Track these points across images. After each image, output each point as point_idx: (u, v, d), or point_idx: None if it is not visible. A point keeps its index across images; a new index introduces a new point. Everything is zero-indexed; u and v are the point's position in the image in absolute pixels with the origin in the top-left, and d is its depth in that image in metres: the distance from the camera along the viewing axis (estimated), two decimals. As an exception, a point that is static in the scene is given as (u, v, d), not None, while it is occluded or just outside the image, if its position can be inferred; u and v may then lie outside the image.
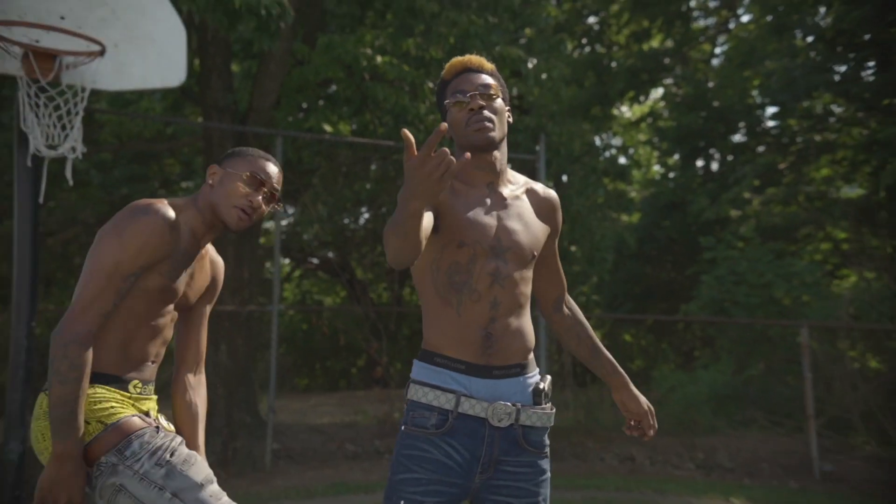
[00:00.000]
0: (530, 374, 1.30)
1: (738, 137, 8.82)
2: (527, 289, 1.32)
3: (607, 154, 9.03)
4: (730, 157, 8.88)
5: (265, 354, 6.93)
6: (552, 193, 1.42)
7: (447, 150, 1.00)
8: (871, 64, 6.86)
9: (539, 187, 1.41)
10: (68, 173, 2.82)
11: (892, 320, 5.75)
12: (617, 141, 10.93)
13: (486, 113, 1.28)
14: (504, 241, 1.28)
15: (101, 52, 2.79)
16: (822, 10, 7.48)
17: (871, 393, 4.93)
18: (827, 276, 7.23)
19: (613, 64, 9.52)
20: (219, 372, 4.85)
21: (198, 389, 1.54)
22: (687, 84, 9.28)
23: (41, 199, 2.80)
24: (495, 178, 1.32)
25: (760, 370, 5.85)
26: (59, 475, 1.24)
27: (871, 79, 6.77)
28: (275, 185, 1.45)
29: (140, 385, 1.39)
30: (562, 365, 6.26)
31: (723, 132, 8.56)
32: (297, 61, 5.75)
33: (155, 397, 1.45)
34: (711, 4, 9.89)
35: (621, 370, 1.45)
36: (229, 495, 1.33)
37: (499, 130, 1.30)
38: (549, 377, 1.33)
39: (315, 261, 10.89)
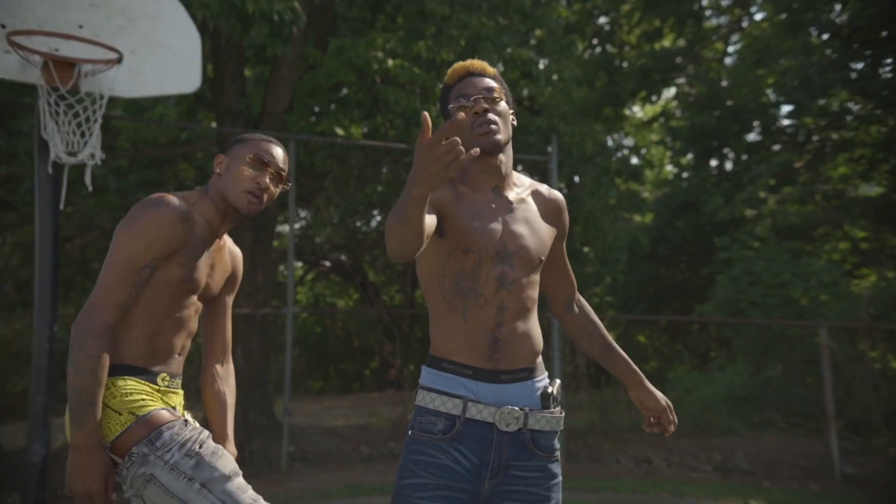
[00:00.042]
0: (539, 378, 1.30)
1: (752, 136, 8.73)
2: (534, 293, 1.31)
3: (619, 154, 8.98)
4: (744, 157, 8.78)
5: (279, 357, 6.98)
6: (557, 194, 1.41)
7: (459, 139, 0.99)
8: (889, 61, 6.75)
9: (544, 189, 1.40)
10: (87, 179, 2.86)
11: (913, 320, 5.64)
12: (629, 141, 10.88)
13: (491, 116, 1.28)
14: (510, 246, 1.28)
15: (119, 60, 2.84)
16: (838, 7, 7.38)
17: (893, 394, 4.85)
18: (845, 276, 7.12)
19: (625, 64, 9.47)
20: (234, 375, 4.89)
21: (226, 379, 1.57)
22: (700, 83, 9.20)
23: (62, 205, 2.84)
24: (501, 181, 1.32)
25: (778, 371, 5.77)
26: (76, 464, 1.27)
27: (889, 76, 6.67)
28: (280, 164, 1.47)
29: (168, 378, 1.42)
30: (576, 367, 6.23)
31: (737, 131, 8.47)
32: (308, 65, 5.79)
33: (181, 392, 1.48)
34: (724, 3, 9.80)
35: (636, 368, 1.44)
36: None
37: (504, 133, 1.29)
38: (557, 381, 1.32)
39: (328, 264, 10.94)
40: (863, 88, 6.68)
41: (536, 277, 1.32)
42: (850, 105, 7.62)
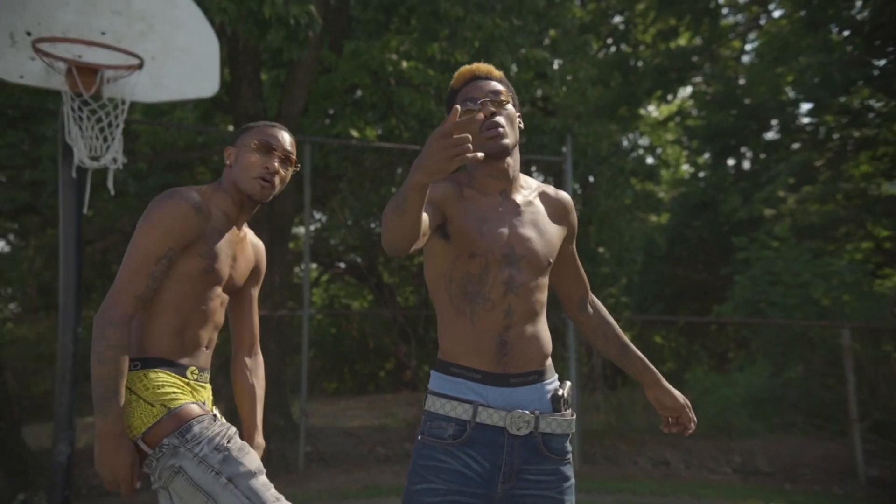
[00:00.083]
0: (548, 381, 1.29)
1: (770, 135, 8.60)
2: (542, 296, 1.30)
3: (635, 154, 8.91)
4: (762, 156, 8.66)
5: (295, 359, 7.02)
6: (564, 195, 1.40)
7: (470, 136, 1.00)
8: (912, 57, 6.62)
9: (551, 190, 1.40)
10: (110, 183, 2.91)
11: (939, 321, 5.52)
12: (644, 141, 10.78)
13: (499, 119, 1.27)
14: (518, 250, 1.27)
15: (140, 66, 2.88)
16: (859, 3, 7.25)
17: (918, 396, 4.74)
18: (868, 276, 6.98)
19: (640, 63, 9.39)
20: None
21: (255, 370, 1.60)
22: (717, 82, 9.09)
23: (85, 209, 2.89)
24: (508, 185, 1.31)
25: (799, 372, 5.68)
26: (104, 452, 1.30)
27: (913, 72, 6.53)
28: (286, 147, 1.49)
29: (197, 372, 1.44)
30: (592, 367, 6.18)
31: (755, 130, 8.36)
32: (324, 68, 5.83)
33: (209, 386, 1.50)
34: (741, 0, 9.68)
35: (652, 367, 1.43)
36: None
37: (511, 137, 1.29)
38: (568, 383, 1.31)
39: (342, 265, 11.00)
40: (885, 85, 6.56)
41: (545, 280, 1.31)
42: (872, 102, 7.48)
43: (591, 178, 7.20)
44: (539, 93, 6.95)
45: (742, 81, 9.05)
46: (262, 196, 1.46)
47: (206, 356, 1.47)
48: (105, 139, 2.84)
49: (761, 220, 7.74)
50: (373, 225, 9.36)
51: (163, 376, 1.38)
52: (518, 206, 1.31)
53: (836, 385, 5.30)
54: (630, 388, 6.13)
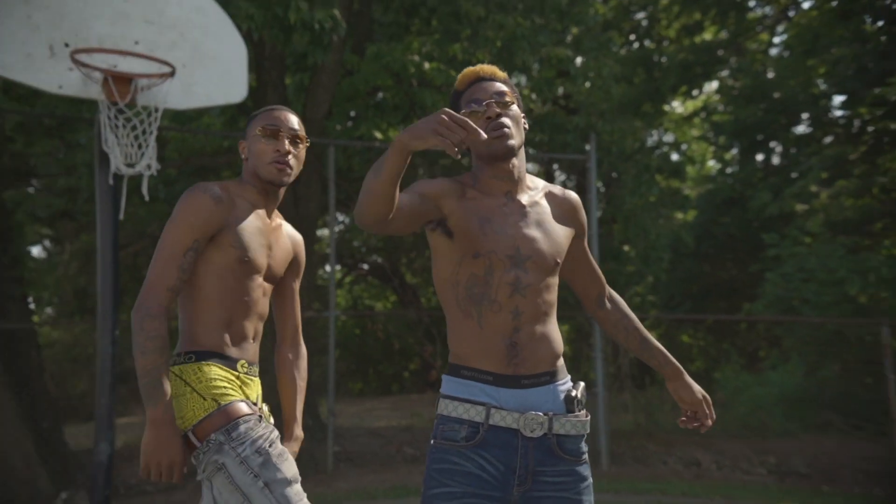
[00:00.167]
0: (561, 382, 1.28)
1: (801, 129, 8.39)
2: (551, 296, 1.29)
3: (659, 151, 8.78)
4: (792, 150, 8.45)
5: (321, 360, 7.09)
6: (572, 195, 1.40)
7: (468, 133, 1.02)
8: (951, 46, 6.38)
9: (558, 190, 1.39)
10: (144, 189, 2.98)
11: (983, 317, 5.31)
12: (668, 137, 10.62)
13: (504, 120, 1.27)
14: (523, 251, 1.27)
15: (172, 73, 2.94)
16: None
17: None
18: (907, 272, 6.76)
19: (664, 59, 9.25)
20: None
21: (296, 362, 1.63)
22: (744, 76, 8.90)
23: (121, 215, 2.97)
24: (513, 186, 1.31)
25: (836, 371, 5.52)
26: (157, 439, 1.33)
27: (951, 61, 6.30)
28: (290, 126, 1.51)
29: (246, 365, 1.48)
30: (619, 367, 6.11)
31: (784, 124, 8.16)
32: (346, 71, 5.88)
33: (258, 381, 1.53)
34: (768, -8, 9.46)
35: (674, 360, 1.42)
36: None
37: (517, 137, 1.28)
38: (581, 383, 1.30)
39: (365, 266, 11.08)
40: (922, 75, 6.33)
41: (553, 280, 1.30)
42: (909, 93, 7.23)
43: (615, 175, 7.11)
44: (561, 91, 6.90)
45: (771, 75, 8.85)
46: (281, 179, 1.49)
47: (254, 349, 1.50)
48: (139, 146, 2.91)
49: (792, 216, 7.56)
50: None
51: (215, 369, 1.42)
52: (523, 206, 1.30)
53: (874, 384, 5.15)
54: (658, 388, 6.04)
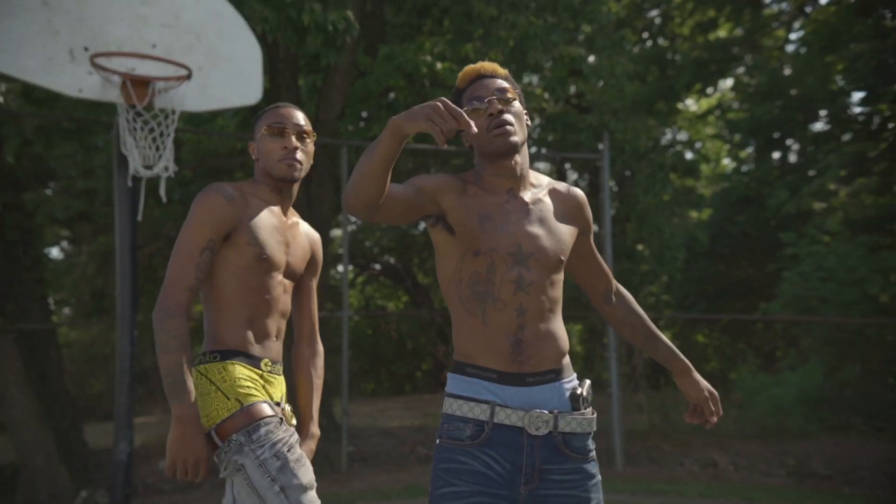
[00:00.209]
0: (566, 379, 1.28)
1: (818, 126, 8.26)
2: (555, 293, 1.29)
3: (673, 150, 8.70)
4: (810, 148, 8.33)
5: (333, 360, 7.12)
6: (577, 191, 1.39)
7: (469, 122, 1.05)
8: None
9: (562, 187, 1.38)
10: (162, 191, 3.02)
11: None
12: (682, 135, 10.52)
13: (507, 117, 1.27)
14: (525, 248, 1.26)
15: (189, 76, 2.97)
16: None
17: None
18: (930, 271, 6.63)
19: (677, 57, 9.17)
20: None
21: (313, 360, 1.64)
22: (760, 73, 8.79)
23: (139, 217, 3.00)
24: (515, 184, 1.30)
25: (857, 372, 5.43)
26: (183, 436, 1.35)
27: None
28: (297, 122, 1.53)
29: (270, 364, 1.49)
30: (633, 367, 6.07)
31: (802, 121, 8.04)
32: (359, 72, 5.90)
33: (283, 379, 1.54)
34: (785, -12, 9.34)
35: (681, 356, 1.42)
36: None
37: (520, 134, 1.28)
38: (587, 381, 1.30)
39: (377, 267, 11.12)
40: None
41: (558, 277, 1.30)
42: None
43: (629, 174, 7.06)
44: (573, 90, 6.86)
45: (787, 72, 8.73)
46: (291, 175, 1.51)
47: (277, 347, 1.52)
48: (157, 148, 2.94)
49: (810, 215, 7.45)
50: (406, 226, 9.42)
51: (239, 368, 1.43)
52: (526, 204, 1.30)
53: (897, 385, 5.06)
54: (673, 388, 5.98)
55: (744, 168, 9.54)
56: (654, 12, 9.88)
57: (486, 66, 1.33)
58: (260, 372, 1.46)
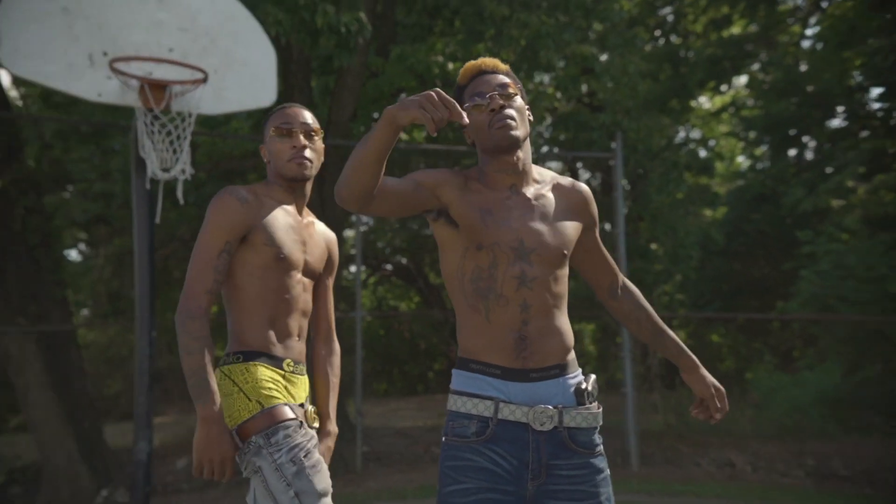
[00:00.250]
0: (571, 375, 1.27)
1: (836, 123, 8.14)
2: (560, 288, 1.28)
3: (687, 148, 8.62)
4: (827, 145, 8.21)
5: (347, 360, 7.17)
6: (582, 186, 1.38)
7: (449, 114, 1.05)
8: None
9: (566, 182, 1.37)
10: (179, 194, 3.05)
11: None
12: (696, 133, 10.43)
13: (508, 112, 1.26)
14: (528, 243, 1.26)
15: (205, 80, 3.00)
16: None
17: None
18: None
19: (691, 54, 9.08)
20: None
21: (329, 359, 1.66)
22: (775, 69, 8.68)
23: (157, 219, 3.04)
24: (518, 179, 1.30)
25: (877, 371, 5.34)
26: (208, 436, 1.37)
27: None
28: (304, 121, 1.55)
29: (292, 364, 1.51)
30: (648, 367, 6.03)
31: (818, 118, 7.93)
32: (371, 73, 5.92)
33: (305, 379, 1.55)
34: (801, -16, 9.22)
35: (688, 351, 1.42)
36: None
37: (522, 129, 1.28)
38: (592, 376, 1.29)
39: (389, 267, 11.14)
40: (965, 64, 6.09)
41: (562, 273, 1.29)
42: (951, 84, 6.95)
43: (642, 172, 7.00)
44: (586, 88, 6.83)
45: (803, 68, 8.61)
46: (302, 173, 1.53)
47: (299, 347, 1.53)
48: (174, 151, 2.98)
49: (827, 212, 7.35)
50: (417, 226, 9.43)
51: (262, 369, 1.45)
52: (528, 199, 1.29)
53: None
54: (689, 388, 5.92)
55: (759, 166, 9.42)
56: (666, 10, 9.80)
57: (487, 61, 1.33)
58: (282, 372, 1.48)
